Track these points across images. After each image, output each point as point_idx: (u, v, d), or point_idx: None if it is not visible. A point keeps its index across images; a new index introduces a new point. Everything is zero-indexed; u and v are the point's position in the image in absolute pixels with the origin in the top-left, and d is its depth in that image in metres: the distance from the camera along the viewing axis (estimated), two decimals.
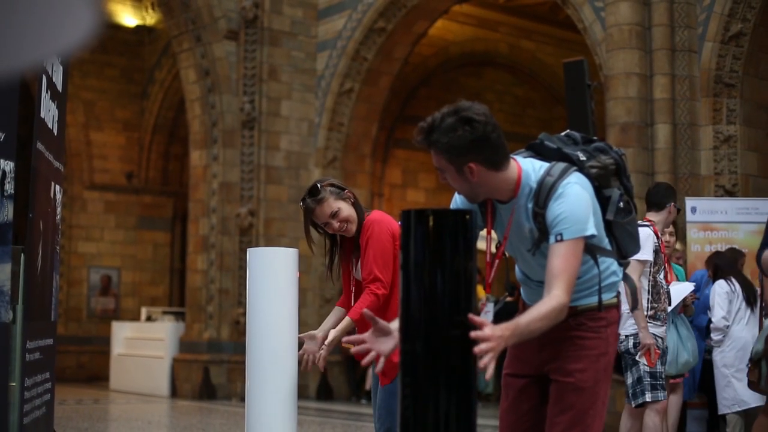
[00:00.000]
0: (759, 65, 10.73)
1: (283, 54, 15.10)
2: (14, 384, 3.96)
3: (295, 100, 15.16)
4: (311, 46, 15.36)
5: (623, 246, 3.54)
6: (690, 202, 10.08)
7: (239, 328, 14.26)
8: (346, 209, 4.51)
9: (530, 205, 3.31)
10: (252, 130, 14.87)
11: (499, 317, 13.90)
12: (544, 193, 3.27)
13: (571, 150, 3.43)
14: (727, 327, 8.53)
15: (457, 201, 3.49)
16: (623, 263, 3.58)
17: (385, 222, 4.53)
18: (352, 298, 4.67)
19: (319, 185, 4.54)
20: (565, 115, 10.91)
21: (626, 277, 3.67)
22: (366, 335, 3.14)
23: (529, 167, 3.34)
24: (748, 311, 8.51)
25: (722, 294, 8.56)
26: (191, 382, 14.79)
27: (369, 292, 4.43)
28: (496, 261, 3.47)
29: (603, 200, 3.44)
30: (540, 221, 3.30)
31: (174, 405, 14.16)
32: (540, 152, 3.48)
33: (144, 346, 16.17)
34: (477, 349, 2.71)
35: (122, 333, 16.92)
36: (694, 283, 8.32)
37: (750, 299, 8.54)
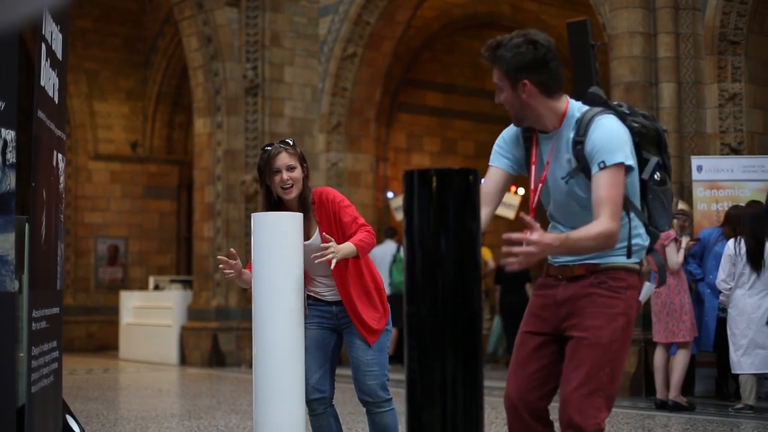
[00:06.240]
0: (764, 22, 10.64)
1: (285, 20, 15.01)
2: (22, 354, 3.97)
3: (297, 66, 15.10)
4: (313, 11, 15.27)
5: (654, 216, 3.60)
6: (696, 161, 10.04)
7: (247, 295, 14.27)
8: (300, 174, 4.80)
9: (572, 135, 3.50)
10: (255, 97, 14.82)
11: (499, 279, 13.88)
12: (585, 122, 3.48)
13: (616, 105, 3.63)
14: (729, 289, 8.45)
15: (504, 137, 3.72)
16: (652, 231, 3.61)
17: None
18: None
19: (293, 142, 4.93)
20: (570, 75, 10.83)
21: (653, 252, 3.66)
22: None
23: (575, 104, 3.59)
24: (754, 276, 8.38)
25: (725, 256, 8.48)
26: (200, 350, 14.85)
27: (365, 229, 4.78)
28: (535, 194, 3.60)
29: (641, 162, 3.57)
30: (579, 150, 3.45)
31: (183, 373, 14.22)
32: (589, 102, 3.66)
33: (152, 315, 16.21)
34: (519, 249, 2.78)
35: (130, 302, 16.96)
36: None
37: (755, 262, 8.37)
